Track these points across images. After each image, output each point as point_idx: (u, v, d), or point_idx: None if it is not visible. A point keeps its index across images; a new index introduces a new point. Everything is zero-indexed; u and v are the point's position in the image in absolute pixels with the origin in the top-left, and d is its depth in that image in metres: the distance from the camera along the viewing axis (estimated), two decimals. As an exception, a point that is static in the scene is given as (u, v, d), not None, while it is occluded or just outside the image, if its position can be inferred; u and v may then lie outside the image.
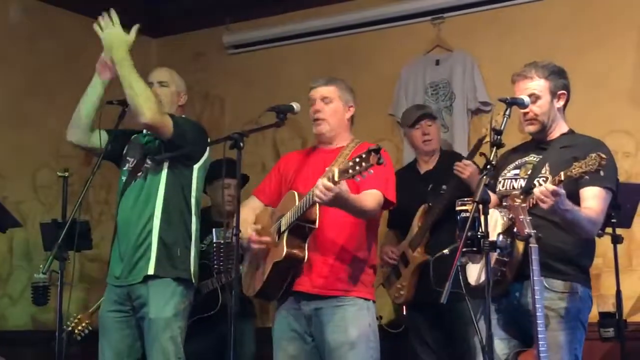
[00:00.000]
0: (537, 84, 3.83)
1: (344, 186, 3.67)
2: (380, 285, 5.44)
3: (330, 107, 4.19)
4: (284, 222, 3.97)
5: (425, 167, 5.39)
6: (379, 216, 4.24)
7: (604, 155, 3.32)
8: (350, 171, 3.51)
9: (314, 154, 4.26)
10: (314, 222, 3.92)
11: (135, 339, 4.32)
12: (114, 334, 4.31)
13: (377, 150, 3.44)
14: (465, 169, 4.73)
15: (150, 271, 4.22)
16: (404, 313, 5.30)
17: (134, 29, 4.30)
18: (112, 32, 4.29)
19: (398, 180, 5.39)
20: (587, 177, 3.40)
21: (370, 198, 3.96)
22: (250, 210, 4.23)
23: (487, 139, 4.70)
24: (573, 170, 3.38)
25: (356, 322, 4.00)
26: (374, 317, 4.12)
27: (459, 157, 5.10)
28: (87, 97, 4.40)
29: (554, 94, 3.85)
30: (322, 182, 3.64)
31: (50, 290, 5.17)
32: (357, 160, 3.49)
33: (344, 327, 3.97)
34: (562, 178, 3.39)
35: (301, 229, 3.93)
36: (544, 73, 3.85)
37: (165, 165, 4.33)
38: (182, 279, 4.28)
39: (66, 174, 4.87)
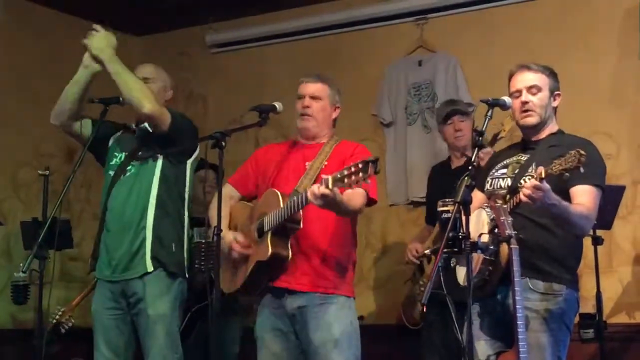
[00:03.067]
0: (540, 77, 3.85)
1: (337, 191, 3.69)
2: (407, 281, 5.43)
3: (319, 104, 4.22)
4: (268, 222, 3.97)
5: (457, 162, 5.34)
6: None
7: (583, 152, 3.32)
8: (346, 180, 3.53)
9: (294, 149, 4.27)
10: (298, 222, 3.94)
11: (131, 335, 4.33)
12: (110, 331, 4.32)
13: (374, 162, 3.46)
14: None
15: (149, 268, 4.24)
16: (424, 310, 5.25)
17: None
18: (97, 36, 4.30)
19: (432, 176, 5.44)
20: (568, 174, 3.39)
21: (357, 197, 3.97)
22: (225, 203, 4.20)
23: (502, 134, 4.71)
24: (553, 168, 3.39)
25: (339, 320, 4.02)
26: (355, 315, 4.14)
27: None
28: (74, 81, 4.38)
29: (551, 92, 3.88)
30: (319, 188, 3.64)
31: (30, 289, 5.15)
32: (354, 170, 3.50)
33: (327, 325, 3.99)
34: (543, 175, 3.40)
35: (285, 228, 3.95)
36: (545, 71, 3.88)
37: (160, 159, 4.35)
38: (176, 274, 4.30)
39: (47, 172, 4.86)
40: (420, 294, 5.16)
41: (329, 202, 3.70)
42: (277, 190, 4.02)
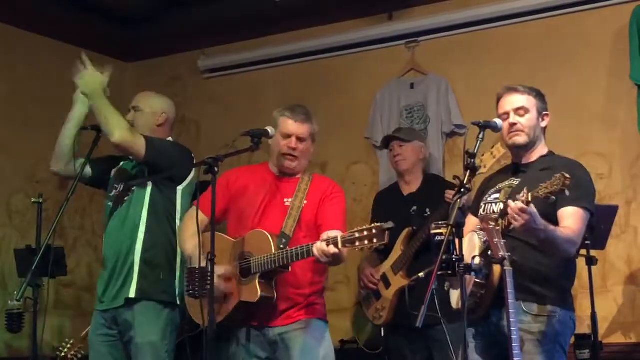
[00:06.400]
0: (527, 99, 3.87)
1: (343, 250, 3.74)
2: (357, 304, 5.46)
3: (304, 145, 4.22)
4: (257, 264, 3.96)
5: (407, 189, 5.39)
6: None
7: (567, 176, 3.33)
8: (357, 243, 3.61)
9: (270, 184, 4.25)
10: (288, 267, 3.96)
11: None
12: (103, 357, 4.31)
13: (390, 229, 3.54)
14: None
15: (132, 294, 4.23)
16: (382, 335, 5.29)
17: (107, 71, 4.40)
18: (86, 74, 4.37)
19: (380, 200, 5.44)
20: (554, 197, 3.40)
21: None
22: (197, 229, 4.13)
23: (482, 170, 4.70)
24: (540, 191, 3.40)
25: (321, 343, 4.07)
26: (331, 342, 4.19)
27: (443, 181, 5.12)
28: (66, 128, 4.46)
29: (539, 113, 3.89)
30: (329, 249, 3.70)
31: (24, 317, 5.14)
32: (367, 234, 3.57)
33: (310, 349, 4.02)
34: (530, 199, 3.41)
35: (275, 272, 3.97)
36: (532, 92, 3.90)
37: (149, 188, 4.36)
38: (166, 302, 4.29)
39: (40, 199, 4.85)
40: (377, 318, 5.18)
41: (334, 260, 3.78)
42: (266, 233, 4.00)
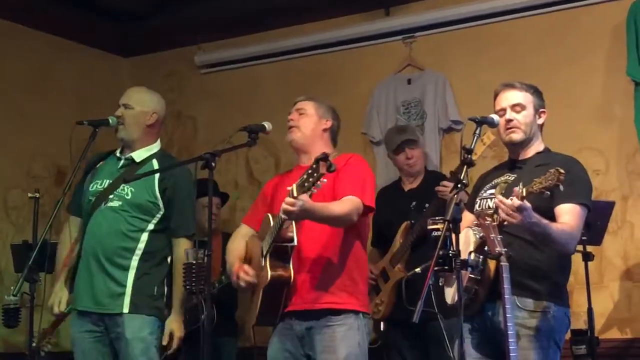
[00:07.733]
0: (524, 95, 3.88)
1: (304, 197, 3.65)
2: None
3: (304, 117, 4.24)
4: (264, 247, 3.98)
5: (409, 185, 5.43)
6: (367, 223, 4.25)
7: (562, 170, 3.33)
8: (306, 184, 3.54)
9: (292, 173, 4.27)
10: (291, 240, 3.92)
11: (110, 357, 4.28)
12: (89, 354, 4.27)
13: (324, 159, 3.45)
14: (448, 190, 4.76)
15: (125, 309, 4.19)
16: (381, 329, 5.30)
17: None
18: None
19: (382, 197, 5.44)
20: (548, 192, 3.41)
21: (340, 204, 3.94)
22: (241, 240, 4.25)
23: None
24: (534, 187, 3.41)
25: (345, 342, 3.96)
26: (364, 335, 4.07)
27: (443, 177, 5.14)
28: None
29: (536, 110, 3.89)
30: (285, 200, 3.66)
31: (21, 312, 5.13)
32: (310, 172, 3.51)
33: (333, 347, 3.95)
34: (524, 194, 3.41)
35: (282, 249, 3.94)
36: (529, 89, 3.91)
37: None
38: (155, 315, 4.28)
39: (37, 195, 4.83)
40: (376, 312, 5.17)
41: (300, 212, 3.69)
42: (268, 214, 4.04)
